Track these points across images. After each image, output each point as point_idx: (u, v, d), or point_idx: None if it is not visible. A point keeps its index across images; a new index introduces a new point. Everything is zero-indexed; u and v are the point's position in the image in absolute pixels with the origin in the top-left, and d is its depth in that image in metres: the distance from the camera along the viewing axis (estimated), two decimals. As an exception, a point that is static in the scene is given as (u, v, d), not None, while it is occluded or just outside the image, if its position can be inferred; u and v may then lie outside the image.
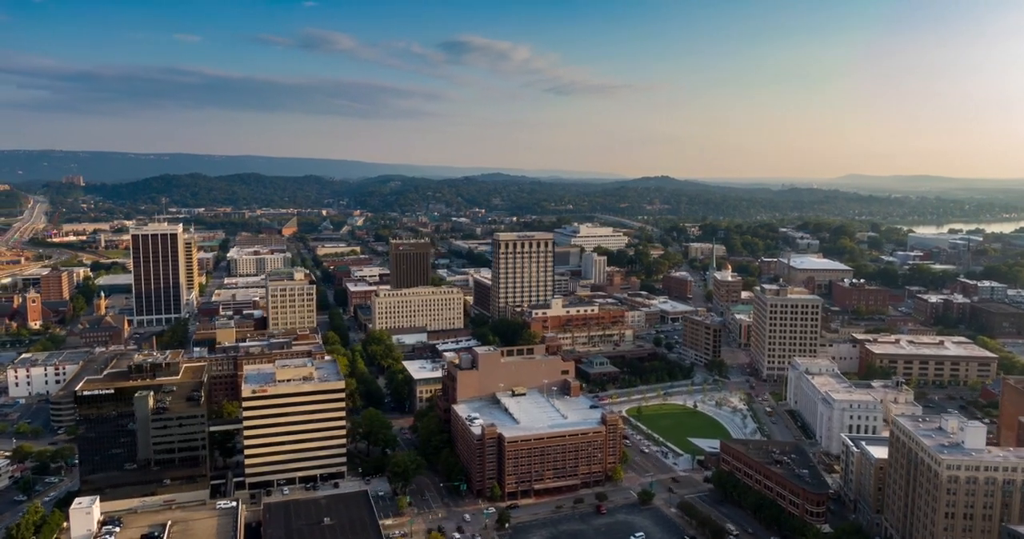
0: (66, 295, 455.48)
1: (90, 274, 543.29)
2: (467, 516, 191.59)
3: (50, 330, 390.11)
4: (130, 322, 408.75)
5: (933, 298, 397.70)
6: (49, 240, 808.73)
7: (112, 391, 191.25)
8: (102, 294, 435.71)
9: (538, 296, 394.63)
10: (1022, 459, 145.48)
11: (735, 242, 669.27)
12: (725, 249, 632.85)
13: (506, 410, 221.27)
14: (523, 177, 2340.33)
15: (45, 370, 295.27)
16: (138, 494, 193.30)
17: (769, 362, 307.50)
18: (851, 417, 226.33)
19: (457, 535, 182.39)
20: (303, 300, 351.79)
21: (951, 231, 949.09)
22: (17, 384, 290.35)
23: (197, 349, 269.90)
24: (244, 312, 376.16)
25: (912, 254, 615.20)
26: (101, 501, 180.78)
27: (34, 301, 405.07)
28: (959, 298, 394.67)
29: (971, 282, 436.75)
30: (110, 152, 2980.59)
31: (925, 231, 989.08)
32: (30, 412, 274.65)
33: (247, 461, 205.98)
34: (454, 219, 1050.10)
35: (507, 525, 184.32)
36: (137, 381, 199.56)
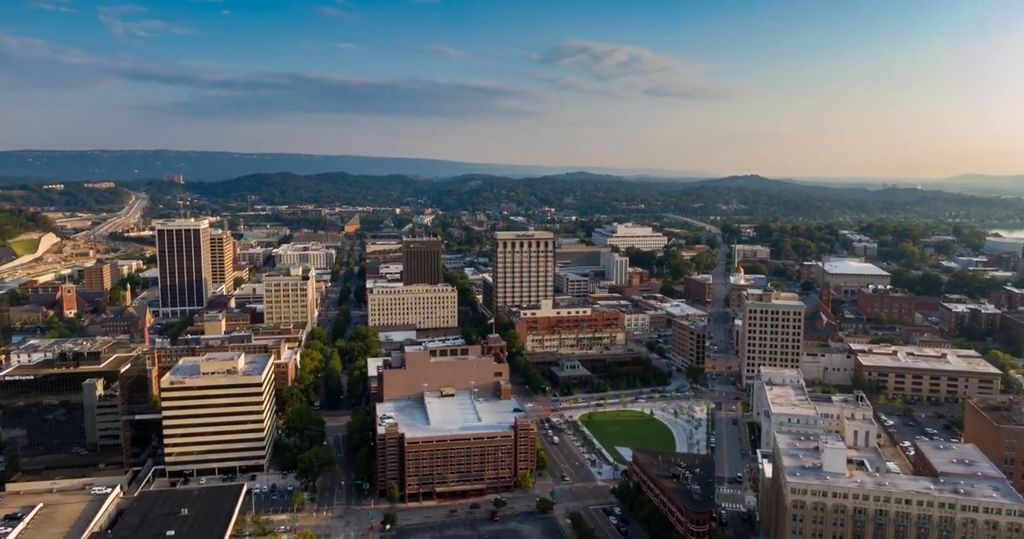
0: (107, 286, 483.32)
1: (142, 267, 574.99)
2: (362, 516, 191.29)
3: (82, 318, 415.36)
4: (154, 313, 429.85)
5: (959, 307, 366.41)
6: (127, 235, 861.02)
7: (32, 378, 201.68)
8: (128, 285, 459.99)
9: (538, 296, 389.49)
10: (881, 487, 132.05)
11: (785, 244, 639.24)
12: (769, 251, 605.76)
13: (425, 410, 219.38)
14: (607, 176, 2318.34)
15: (44, 355, 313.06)
16: (62, 478, 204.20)
17: (748, 370, 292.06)
18: (789, 432, 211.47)
19: (341, 535, 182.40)
20: (297, 295, 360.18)
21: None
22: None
23: (158, 339, 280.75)
24: (247, 306, 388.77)
25: (976, 260, 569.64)
26: (24, 482, 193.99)
27: (69, 291, 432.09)
28: (989, 308, 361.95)
29: (1018, 291, 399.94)
30: (217, 152, 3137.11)
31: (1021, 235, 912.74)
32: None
33: (166, 450, 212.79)
34: (512, 218, 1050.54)
35: (388, 527, 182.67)
36: (61, 369, 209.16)
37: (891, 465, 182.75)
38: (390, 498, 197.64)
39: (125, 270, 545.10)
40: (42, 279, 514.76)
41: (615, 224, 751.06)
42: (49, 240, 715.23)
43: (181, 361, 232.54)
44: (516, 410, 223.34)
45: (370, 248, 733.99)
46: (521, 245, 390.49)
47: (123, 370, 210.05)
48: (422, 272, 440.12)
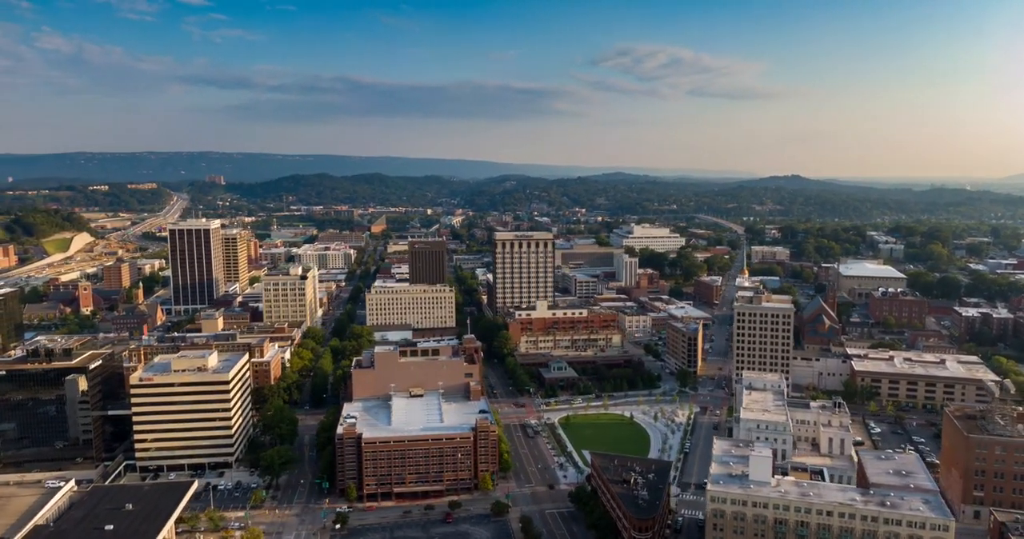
0: (125, 285, 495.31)
1: (164, 266, 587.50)
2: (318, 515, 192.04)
3: (96, 316, 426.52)
4: (166, 311, 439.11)
5: (970, 311, 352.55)
6: (159, 234, 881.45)
7: (4, 373, 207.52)
8: (141, 284, 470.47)
9: (538, 297, 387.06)
10: (805, 497, 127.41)
11: (808, 246, 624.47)
12: (789, 253, 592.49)
13: (390, 410, 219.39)
14: (644, 177, 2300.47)
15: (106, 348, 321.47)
16: (39, 470, 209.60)
17: (737, 374, 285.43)
18: (757, 438, 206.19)
19: (293, 534, 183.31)
20: (295, 295, 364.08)
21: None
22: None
23: (146, 337, 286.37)
24: (250, 305, 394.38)
25: (1006, 262, 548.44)
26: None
27: (86, 289, 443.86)
28: (1002, 312, 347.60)
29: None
30: (260, 153, 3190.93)
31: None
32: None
33: (136, 446, 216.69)
34: (537, 218, 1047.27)
35: (338, 527, 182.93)
36: (33, 365, 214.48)
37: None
38: (347, 498, 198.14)
39: (148, 269, 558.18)
40: (66, 277, 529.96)
41: (632, 225, 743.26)
42: (83, 239, 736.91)
43: (158, 358, 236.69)
44: (482, 411, 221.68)
45: (391, 248, 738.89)
46: (520, 245, 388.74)
47: (92, 367, 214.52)
48: (427, 272, 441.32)
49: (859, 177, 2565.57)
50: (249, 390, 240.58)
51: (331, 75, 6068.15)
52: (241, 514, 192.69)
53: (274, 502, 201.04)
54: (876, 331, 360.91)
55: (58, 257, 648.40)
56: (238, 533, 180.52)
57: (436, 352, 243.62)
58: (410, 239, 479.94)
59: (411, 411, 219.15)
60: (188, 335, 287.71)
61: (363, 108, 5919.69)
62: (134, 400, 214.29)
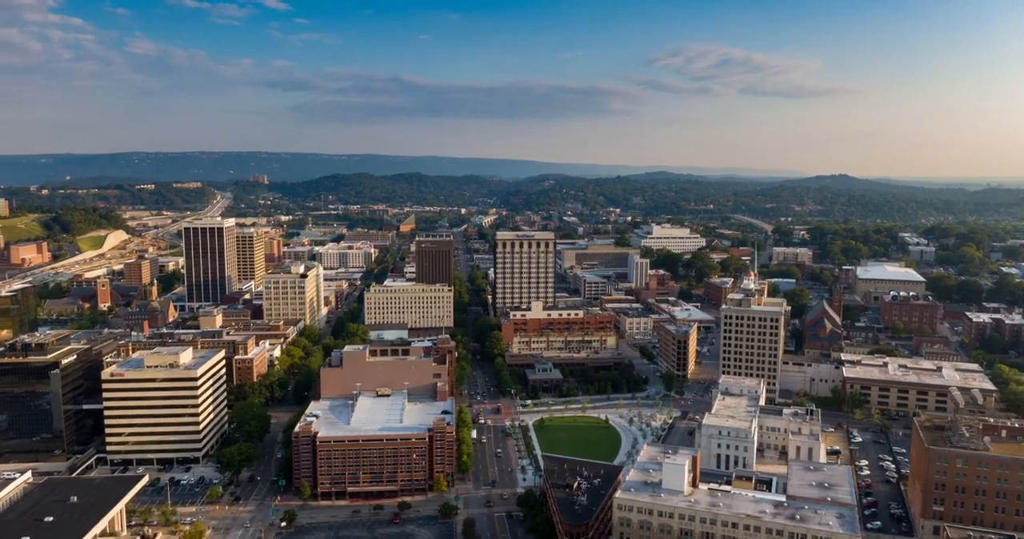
0: (145, 281, 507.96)
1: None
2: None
3: (112, 312, 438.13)
4: (179, 308, 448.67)
5: (981, 317, 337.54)
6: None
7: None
8: (156, 281, 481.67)
9: (537, 297, 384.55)
10: (713, 508, 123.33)
11: (834, 247, 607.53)
12: (812, 254, 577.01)
13: (352, 409, 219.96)
14: (687, 176, 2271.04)
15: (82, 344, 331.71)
16: (17, 461, 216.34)
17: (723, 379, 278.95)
18: (718, 445, 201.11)
19: (241, 530, 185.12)
20: (295, 293, 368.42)
21: None
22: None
23: (134, 334, 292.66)
24: (254, 302, 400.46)
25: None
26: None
27: (104, 285, 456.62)
28: (1015, 318, 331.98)
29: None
30: (307, 153, 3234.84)
31: None
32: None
33: (107, 439, 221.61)
34: (564, 218, 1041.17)
35: (284, 524, 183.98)
36: (9, 359, 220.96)
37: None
38: (301, 496, 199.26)
39: (171, 266, 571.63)
40: (92, 274, 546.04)
41: (652, 225, 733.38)
42: (117, 237, 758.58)
43: (137, 354, 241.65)
44: (444, 412, 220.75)
45: (414, 248, 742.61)
46: (521, 245, 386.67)
47: (65, 362, 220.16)
48: (434, 271, 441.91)
49: (912, 177, 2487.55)
50: (223, 387, 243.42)
51: (387, 76, 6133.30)
52: (192, 509, 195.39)
53: (232, 498, 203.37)
54: (884, 336, 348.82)
55: (90, 254, 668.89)
56: (186, 527, 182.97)
57: (407, 352, 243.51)
58: (417, 238, 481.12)
59: (374, 411, 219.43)
60: (176, 331, 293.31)
61: (412, 108, 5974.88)
62: (105, 394, 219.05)
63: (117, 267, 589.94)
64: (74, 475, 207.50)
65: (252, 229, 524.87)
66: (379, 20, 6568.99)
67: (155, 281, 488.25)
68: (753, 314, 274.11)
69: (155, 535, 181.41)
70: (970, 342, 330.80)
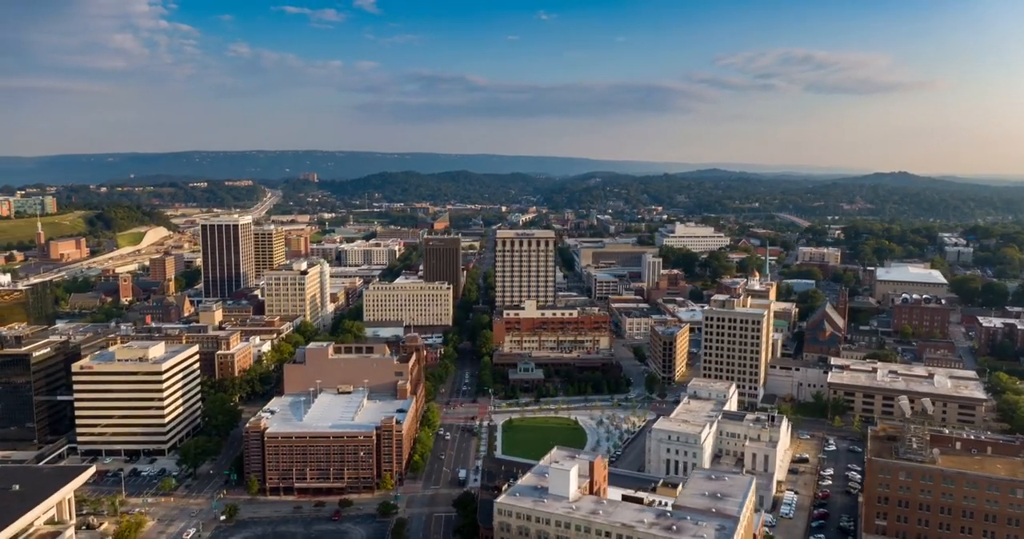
0: (168, 276, 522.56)
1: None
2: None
3: (132, 306, 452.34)
4: (195, 303, 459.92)
5: (992, 322, 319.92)
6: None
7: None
8: (175, 276, 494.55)
9: (537, 295, 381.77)
10: (591, 516, 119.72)
11: (866, 248, 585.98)
12: (839, 254, 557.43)
13: (309, 406, 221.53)
14: (740, 173, 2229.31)
15: (60, 337, 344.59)
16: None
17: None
18: (667, 450, 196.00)
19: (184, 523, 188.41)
20: (295, 290, 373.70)
21: None
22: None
23: (124, 326, 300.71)
24: (260, 299, 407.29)
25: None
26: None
27: (125, 280, 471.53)
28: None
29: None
30: (360, 152, 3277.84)
31: None
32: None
33: (78, 430, 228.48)
34: (600, 217, 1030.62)
35: (224, 518, 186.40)
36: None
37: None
38: (249, 490, 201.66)
39: (198, 262, 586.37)
40: (123, 269, 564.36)
41: (676, 223, 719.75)
42: (158, 233, 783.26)
43: (111, 348, 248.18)
44: (400, 411, 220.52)
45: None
46: (521, 244, 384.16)
47: (37, 354, 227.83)
48: (441, 269, 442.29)
49: (979, 174, 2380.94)
50: (196, 381, 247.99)
51: (451, 75, 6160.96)
52: (151, 500, 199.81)
53: (186, 490, 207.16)
54: (892, 340, 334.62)
55: (127, 250, 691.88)
56: (129, 517, 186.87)
57: (370, 350, 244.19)
58: (424, 236, 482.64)
59: (330, 408, 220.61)
60: (164, 325, 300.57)
61: (470, 107, 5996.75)
62: (76, 386, 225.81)
63: (147, 262, 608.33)
64: (41, 464, 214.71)
65: (271, 227, 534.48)
66: (458, 20, 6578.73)
67: (177, 277, 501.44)
68: (735, 316, 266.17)
69: (100, 524, 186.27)
70: (979, 348, 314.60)
